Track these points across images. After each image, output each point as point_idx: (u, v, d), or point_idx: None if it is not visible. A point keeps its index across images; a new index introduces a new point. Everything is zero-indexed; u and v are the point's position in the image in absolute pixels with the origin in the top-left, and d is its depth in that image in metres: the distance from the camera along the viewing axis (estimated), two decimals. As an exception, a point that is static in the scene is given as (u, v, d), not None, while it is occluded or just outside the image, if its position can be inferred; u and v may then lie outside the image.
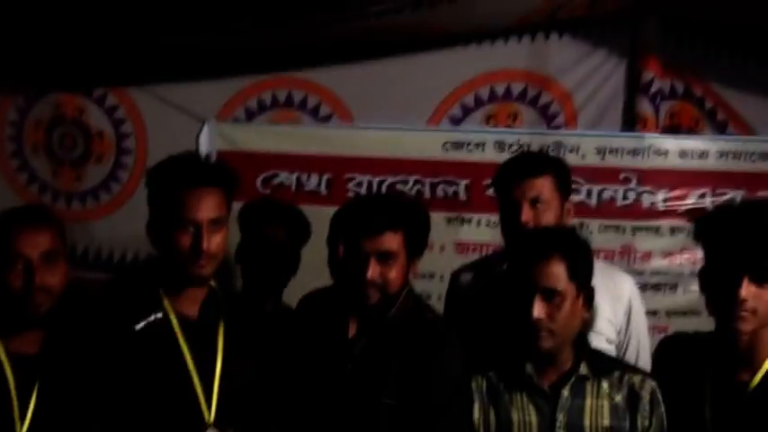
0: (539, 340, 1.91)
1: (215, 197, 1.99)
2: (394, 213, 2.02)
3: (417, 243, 2.07)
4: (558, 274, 1.91)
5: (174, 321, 1.99)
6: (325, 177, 3.54)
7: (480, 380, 2.02)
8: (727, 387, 1.96)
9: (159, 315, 1.99)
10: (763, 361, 1.95)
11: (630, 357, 2.44)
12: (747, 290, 1.86)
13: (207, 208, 1.97)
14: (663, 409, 1.97)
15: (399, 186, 3.50)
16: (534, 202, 2.36)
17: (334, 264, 2.06)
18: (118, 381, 1.92)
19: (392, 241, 1.99)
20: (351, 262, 2.00)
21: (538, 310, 1.89)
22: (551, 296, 1.90)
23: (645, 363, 2.44)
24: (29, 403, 1.90)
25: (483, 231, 3.45)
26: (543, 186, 2.38)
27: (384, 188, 3.49)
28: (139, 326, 1.97)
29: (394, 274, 1.99)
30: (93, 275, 3.44)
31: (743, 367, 1.96)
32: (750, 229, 1.90)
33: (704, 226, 2.05)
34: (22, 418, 1.88)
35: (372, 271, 1.97)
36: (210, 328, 2.03)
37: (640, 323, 2.52)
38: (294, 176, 3.54)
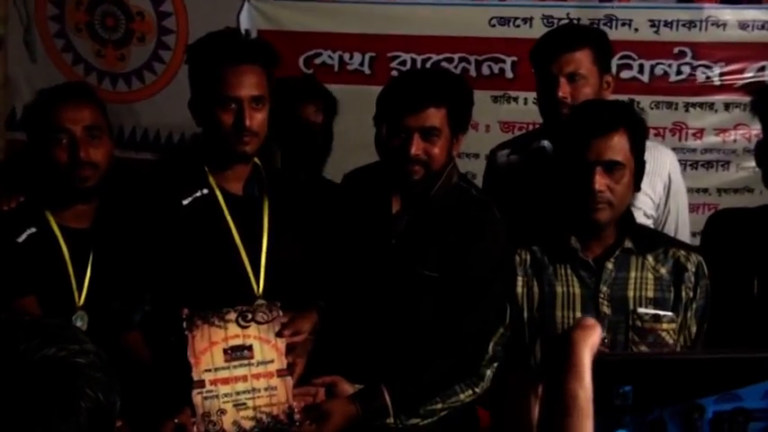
0: (596, 212, 1.89)
1: (256, 74, 1.98)
2: (437, 89, 1.98)
3: (461, 119, 2.04)
4: (622, 146, 1.88)
5: (220, 197, 2.02)
6: (368, 56, 3.47)
7: (524, 254, 2.03)
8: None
9: (205, 191, 2.03)
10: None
11: (669, 232, 2.41)
12: None
13: (248, 85, 1.96)
14: (708, 281, 1.96)
15: (444, 64, 3.41)
16: (572, 76, 2.30)
17: (381, 142, 2.05)
18: (169, 252, 1.98)
19: (435, 117, 1.96)
20: (394, 138, 1.98)
21: (599, 182, 1.86)
22: (613, 169, 1.88)
23: (684, 238, 2.42)
24: (85, 274, 1.98)
25: (529, 109, 3.36)
26: (581, 60, 2.31)
27: (428, 66, 3.41)
28: (187, 201, 2.01)
29: (437, 150, 1.98)
30: (141, 156, 3.50)
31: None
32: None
33: (763, 98, 1.97)
34: (80, 289, 1.97)
35: (416, 147, 1.95)
36: (255, 203, 2.07)
37: (680, 199, 2.49)
38: (337, 55, 3.48)
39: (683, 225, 2.49)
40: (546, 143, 2.44)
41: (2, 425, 0.82)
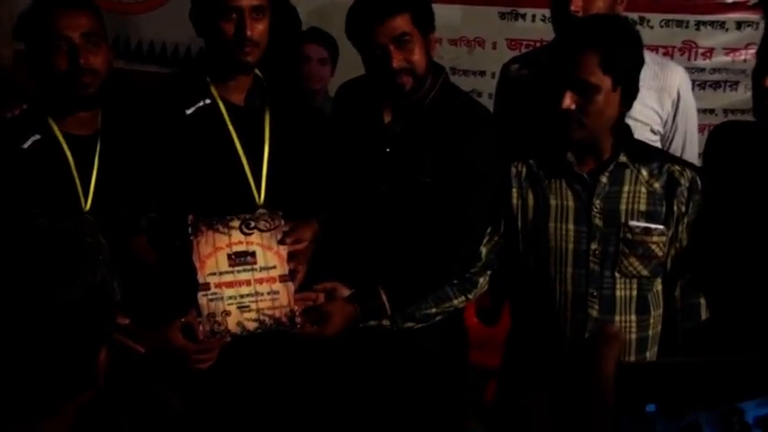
0: (569, 130, 1.92)
1: None
2: None
3: (426, 18, 2.05)
4: (591, 65, 1.86)
5: (222, 107, 2.05)
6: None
7: (520, 166, 2.06)
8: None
9: (208, 101, 2.05)
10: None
11: (676, 149, 2.43)
12: None
13: None
14: (700, 196, 1.99)
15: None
16: None
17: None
18: (173, 160, 2.02)
19: (402, 22, 1.98)
20: (373, 55, 2.00)
21: (567, 100, 1.88)
22: (583, 88, 1.88)
23: (692, 156, 2.44)
24: (90, 181, 2.03)
25: (538, 27, 3.33)
26: None
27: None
28: (190, 111, 2.04)
29: (416, 56, 2.00)
30: (146, 69, 3.50)
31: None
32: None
33: None
34: (86, 195, 2.02)
35: (396, 59, 1.98)
36: (257, 114, 2.09)
37: (689, 116, 2.48)
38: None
39: (691, 143, 2.49)
40: None
41: (7, 284, 0.87)
